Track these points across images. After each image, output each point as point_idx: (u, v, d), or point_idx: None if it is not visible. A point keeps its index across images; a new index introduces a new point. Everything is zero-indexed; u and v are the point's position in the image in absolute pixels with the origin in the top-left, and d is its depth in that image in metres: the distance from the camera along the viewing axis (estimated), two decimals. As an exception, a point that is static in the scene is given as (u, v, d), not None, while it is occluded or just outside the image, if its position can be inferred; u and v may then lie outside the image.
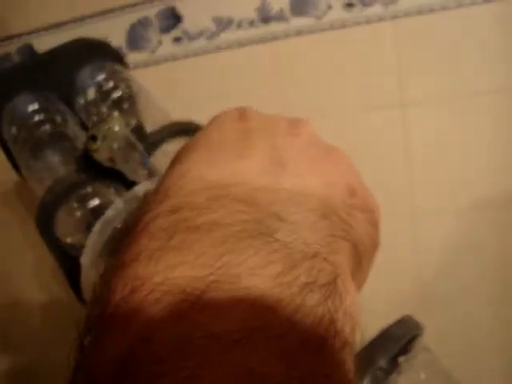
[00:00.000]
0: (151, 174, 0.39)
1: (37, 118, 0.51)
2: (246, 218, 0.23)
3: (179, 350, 0.18)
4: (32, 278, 0.95)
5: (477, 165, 0.76)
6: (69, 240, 0.41)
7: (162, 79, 0.79)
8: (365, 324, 0.87)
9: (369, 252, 0.30)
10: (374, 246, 0.31)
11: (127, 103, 0.52)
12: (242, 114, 0.32)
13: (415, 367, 0.38)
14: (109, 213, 0.36)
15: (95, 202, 0.41)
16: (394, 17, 0.70)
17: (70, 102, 0.54)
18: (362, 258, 0.29)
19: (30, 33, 0.81)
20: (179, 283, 0.19)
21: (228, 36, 0.76)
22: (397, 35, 0.71)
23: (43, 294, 0.96)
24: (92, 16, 0.77)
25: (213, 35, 0.76)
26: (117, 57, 0.58)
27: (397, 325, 0.37)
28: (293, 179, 0.26)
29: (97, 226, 0.35)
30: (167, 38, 0.77)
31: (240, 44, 0.76)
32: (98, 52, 0.56)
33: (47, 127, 0.50)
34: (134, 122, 0.40)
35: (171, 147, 0.44)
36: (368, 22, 0.71)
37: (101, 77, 0.54)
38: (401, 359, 0.37)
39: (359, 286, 0.31)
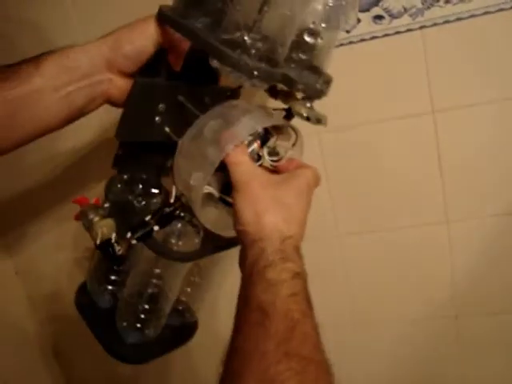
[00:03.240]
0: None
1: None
2: None
3: None
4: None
5: (509, 169, 0.76)
6: None
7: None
8: (404, 331, 0.87)
9: None
10: None
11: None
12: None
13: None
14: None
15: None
16: (422, 27, 0.72)
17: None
18: None
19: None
20: None
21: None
22: (425, 45, 0.73)
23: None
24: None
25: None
26: None
27: None
28: None
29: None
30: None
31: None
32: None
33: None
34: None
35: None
36: (397, 33, 0.73)
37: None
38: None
39: None
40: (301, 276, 0.46)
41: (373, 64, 0.76)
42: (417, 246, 0.82)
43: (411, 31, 0.73)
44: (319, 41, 0.51)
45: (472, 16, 0.70)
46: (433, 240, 0.82)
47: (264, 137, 0.55)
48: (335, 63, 0.76)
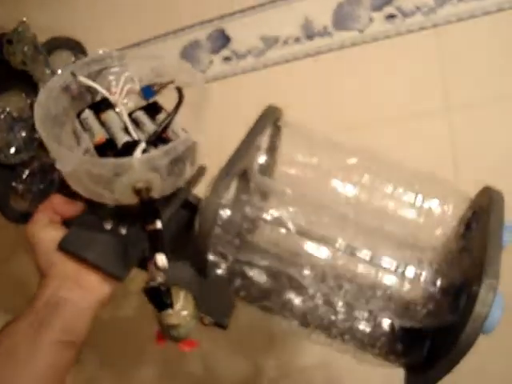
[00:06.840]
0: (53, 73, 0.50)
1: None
2: None
3: None
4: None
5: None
6: None
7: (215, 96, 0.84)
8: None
9: None
10: None
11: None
12: None
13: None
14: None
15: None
16: (435, 25, 0.72)
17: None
18: None
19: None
20: None
21: (275, 53, 0.80)
22: (439, 42, 0.72)
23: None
24: (147, 40, 0.83)
25: (260, 53, 0.80)
26: None
27: None
28: None
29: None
30: (217, 58, 0.82)
31: (286, 60, 0.80)
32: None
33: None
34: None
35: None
36: (410, 31, 0.73)
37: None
38: None
39: None
40: None
41: (386, 63, 0.76)
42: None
43: (424, 29, 0.73)
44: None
45: (486, 13, 0.70)
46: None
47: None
48: (350, 63, 0.77)
